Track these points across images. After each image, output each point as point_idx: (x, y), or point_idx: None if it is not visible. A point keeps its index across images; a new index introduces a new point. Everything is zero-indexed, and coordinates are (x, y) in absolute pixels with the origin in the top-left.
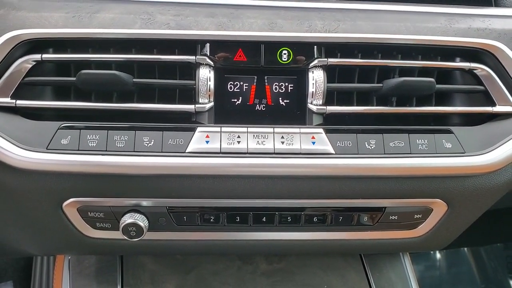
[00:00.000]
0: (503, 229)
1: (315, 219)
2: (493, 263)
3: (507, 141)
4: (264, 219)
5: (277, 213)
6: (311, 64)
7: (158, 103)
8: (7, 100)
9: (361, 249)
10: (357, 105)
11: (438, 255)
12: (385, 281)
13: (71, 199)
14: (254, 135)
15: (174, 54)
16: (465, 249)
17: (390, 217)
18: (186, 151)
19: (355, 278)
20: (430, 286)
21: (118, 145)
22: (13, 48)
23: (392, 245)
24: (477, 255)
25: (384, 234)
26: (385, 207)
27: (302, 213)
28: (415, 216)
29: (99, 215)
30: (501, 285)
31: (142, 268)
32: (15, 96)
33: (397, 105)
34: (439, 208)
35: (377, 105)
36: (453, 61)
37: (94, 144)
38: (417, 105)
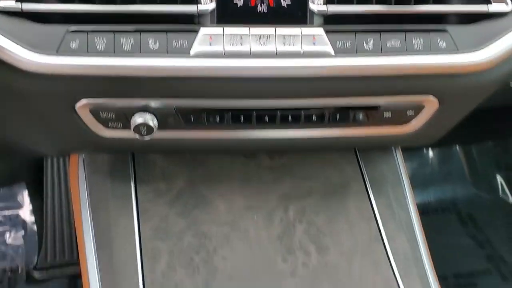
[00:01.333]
0: (494, 127)
1: (314, 117)
2: (482, 160)
3: (499, 39)
4: (266, 118)
5: (278, 112)
6: None
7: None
8: (12, 4)
9: (357, 144)
10: (357, 4)
11: (430, 154)
12: (377, 172)
13: (83, 101)
14: (256, 37)
15: None
16: (457, 147)
17: (384, 114)
18: (190, 53)
19: (350, 171)
20: (422, 182)
21: (125, 48)
22: None
23: (385, 139)
24: (468, 153)
25: (378, 130)
26: (380, 105)
27: (302, 111)
28: (408, 112)
29: (110, 115)
30: (489, 180)
31: (153, 165)
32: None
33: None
34: (430, 104)
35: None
36: None
37: (102, 48)
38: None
